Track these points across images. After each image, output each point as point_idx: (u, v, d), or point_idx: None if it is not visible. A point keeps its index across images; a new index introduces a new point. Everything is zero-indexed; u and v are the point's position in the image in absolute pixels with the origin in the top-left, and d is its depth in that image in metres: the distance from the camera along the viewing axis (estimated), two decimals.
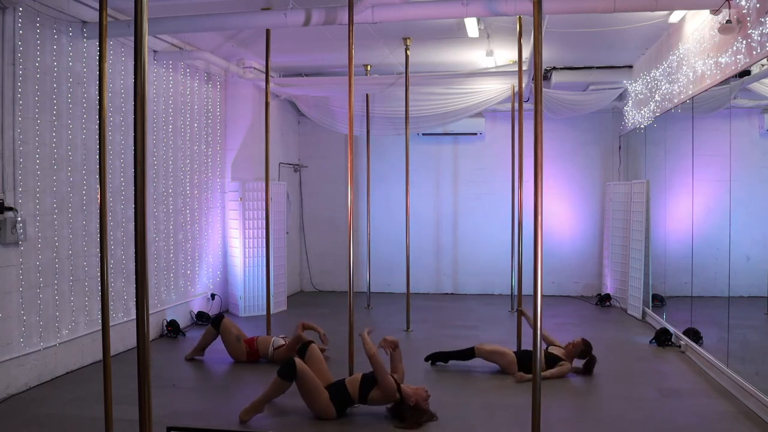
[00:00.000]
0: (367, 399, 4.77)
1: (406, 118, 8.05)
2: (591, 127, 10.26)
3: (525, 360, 5.74)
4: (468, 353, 6.00)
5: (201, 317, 8.05)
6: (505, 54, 8.65)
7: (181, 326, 7.53)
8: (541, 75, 3.61)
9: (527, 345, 6.00)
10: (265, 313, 6.99)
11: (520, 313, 6.35)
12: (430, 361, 6.12)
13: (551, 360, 5.82)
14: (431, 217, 10.72)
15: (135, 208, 2.92)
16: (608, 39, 7.67)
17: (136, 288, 2.91)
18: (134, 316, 3.12)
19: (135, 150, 2.90)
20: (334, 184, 10.75)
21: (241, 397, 5.34)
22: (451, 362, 6.18)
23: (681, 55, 6.78)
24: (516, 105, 8.57)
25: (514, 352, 5.91)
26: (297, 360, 4.77)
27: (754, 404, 4.85)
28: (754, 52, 4.83)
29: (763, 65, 4.91)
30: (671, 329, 7.00)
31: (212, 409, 5.01)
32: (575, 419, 4.78)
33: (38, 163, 5.56)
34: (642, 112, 8.41)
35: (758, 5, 4.78)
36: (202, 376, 6.07)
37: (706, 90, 6.01)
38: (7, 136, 5.22)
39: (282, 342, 6.32)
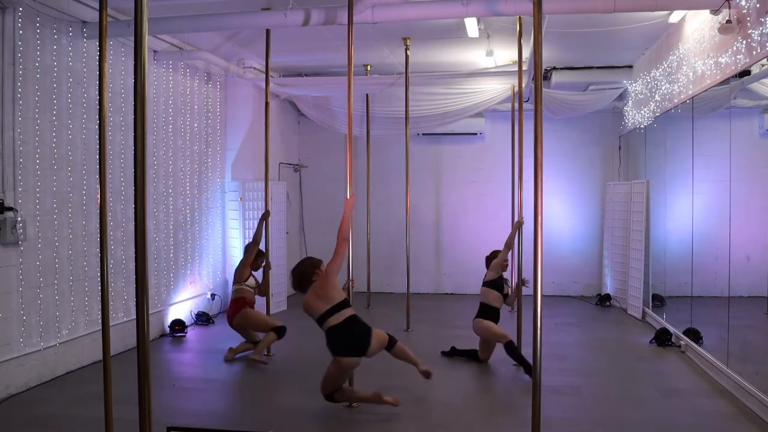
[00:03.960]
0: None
1: (406, 118, 8.05)
2: (591, 127, 10.26)
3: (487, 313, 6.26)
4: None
5: (201, 317, 8.05)
6: (505, 54, 8.65)
7: None
8: (541, 75, 3.61)
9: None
10: (265, 313, 6.98)
11: (517, 225, 6.36)
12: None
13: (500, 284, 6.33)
14: (431, 217, 10.72)
15: (135, 208, 2.93)
16: (608, 39, 7.67)
17: (136, 288, 2.92)
18: (134, 316, 3.12)
19: (135, 150, 2.90)
20: (334, 184, 10.74)
21: (241, 397, 5.35)
22: (454, 361, 6.23)
23: (681, 55, 6.77)
24: (516, 105, 8.57)
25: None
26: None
27: (754, 404, 4.85)
28: (754, 52, 4.83)
29: (763, 65, 4.91)
30: (671, 329, 7.00)
31: (212, 409, 5.01)
32: (575, 419, 4.78)
33: (38, 163, 5.56)
34: (642, 112, 8.41)
35: (758, 5, 4.78)
36: (202, 376, 6.07)
37: (706, 90, 6.01)
38: (7, 136, 5.22)
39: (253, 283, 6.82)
